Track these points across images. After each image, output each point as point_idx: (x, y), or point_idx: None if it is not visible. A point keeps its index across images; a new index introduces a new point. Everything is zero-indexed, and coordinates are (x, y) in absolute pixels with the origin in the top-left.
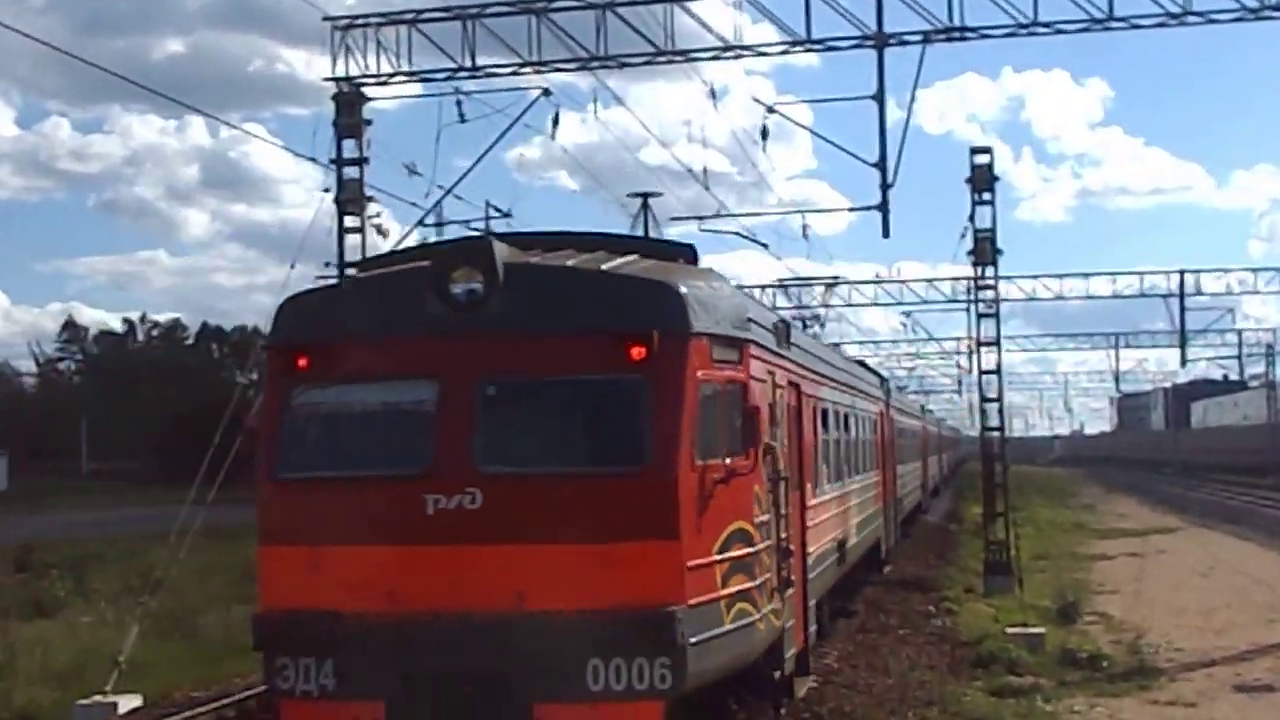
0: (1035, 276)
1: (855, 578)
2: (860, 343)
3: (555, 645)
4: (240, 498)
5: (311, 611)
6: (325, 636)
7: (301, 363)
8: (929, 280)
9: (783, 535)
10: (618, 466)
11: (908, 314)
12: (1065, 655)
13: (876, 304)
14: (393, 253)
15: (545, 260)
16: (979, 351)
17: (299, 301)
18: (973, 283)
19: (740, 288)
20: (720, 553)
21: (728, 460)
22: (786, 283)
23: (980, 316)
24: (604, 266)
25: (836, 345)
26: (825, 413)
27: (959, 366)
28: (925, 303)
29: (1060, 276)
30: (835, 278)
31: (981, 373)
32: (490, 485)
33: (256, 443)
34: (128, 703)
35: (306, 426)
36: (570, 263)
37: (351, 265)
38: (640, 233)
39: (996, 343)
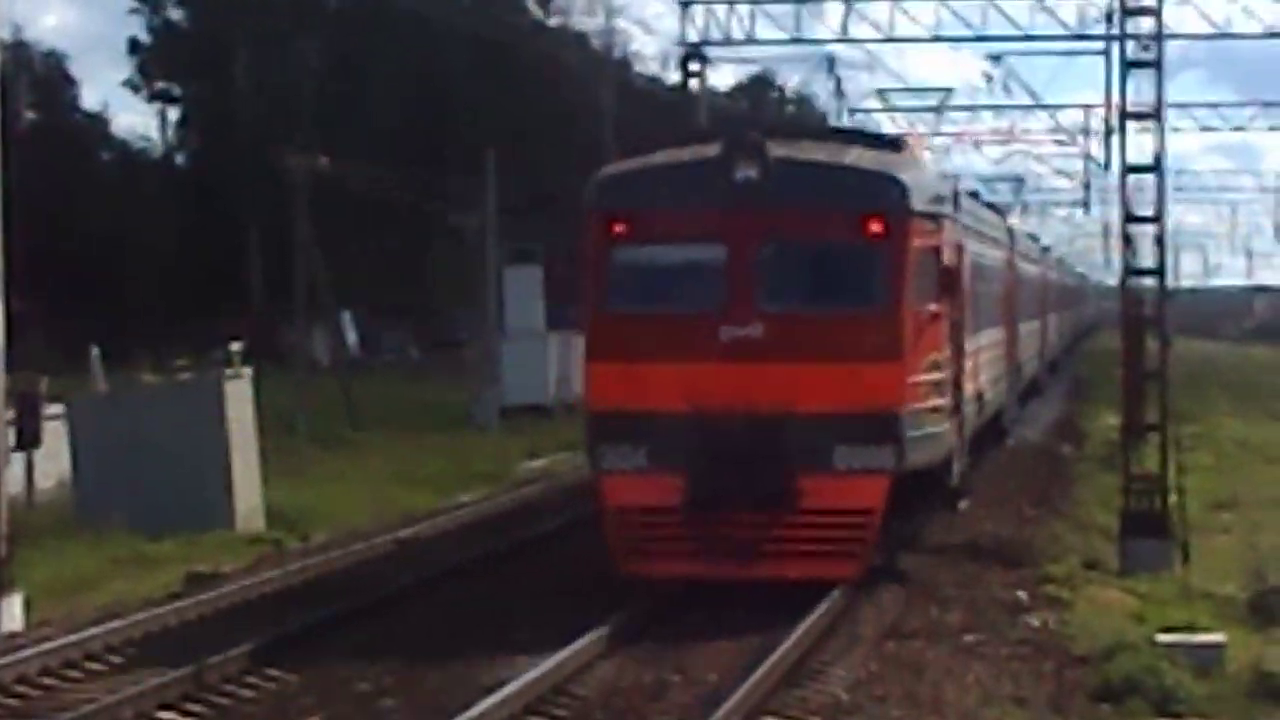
0: None
1: (979, 446)
2: (908, 110)
3: (813, 435)
4: None
5: (629, 410)
6: (641, 428)
7: (619, 227)
8: None
9: (955, 370)
10: (859, 308)
11: (996, 59)
12: (1260, 683)
13: (940, 37)
14: (688, 133)
15: (802, 153)
16: (1123, 131)
17: (614, 176)
18: (1119, 2)
19: None
20: (924, 375)
21: (930, 306)
22: None
23: (1129, 66)
24: (846, 160)
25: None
26: (976, 267)
27: (1086, 158)
28: (1029, 38)
29: None
30: None
31: (1126, 170)
32: (767, 320)
33: (584, 283)
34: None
35: (625, 274)
36: (820, 157)
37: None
38: None
39: (1156, 114)
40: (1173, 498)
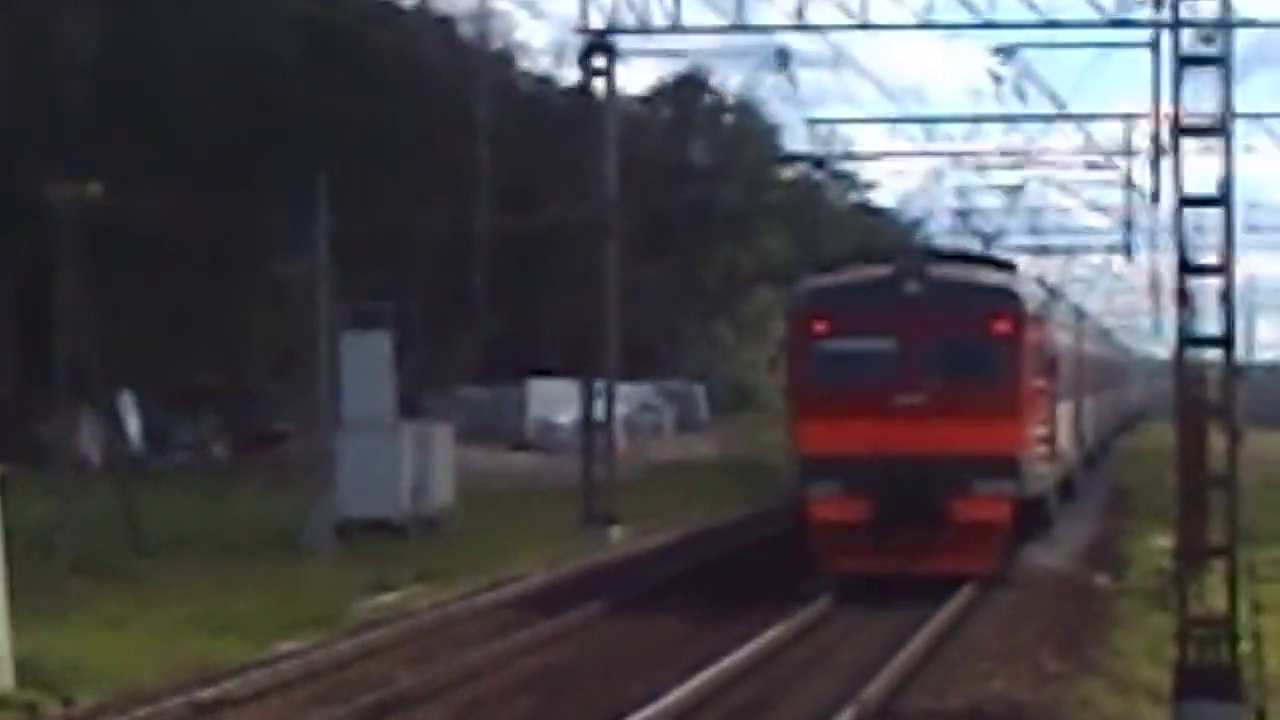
0: None
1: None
2: (888, 122)
3: (959, 471)
4: None
5: (829, 453)
6: (837, 466)
7: (821, 326)
8: None
9: (1052, 430)
10: (991, 382)
11: (1007, 52)
12: None
13: (932, 24)
14: (862, 258)
15: (949, 273)
16: (1177, 151)
17: (816, 289)
18: None
19: None
20: (1035, 430)
21: (1038, 382)
22: None
23: (1184, 63)
24: (977, 279)
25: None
26: (1060, 354)
27: (1128, 187)
28: (1050, 25)
29: None
30: None
31: (1182, 203)
32: (928, 391)
33: (783, 365)
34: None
35: (826, 358)
36: (960, 276)
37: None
38: None
39: (1223, 128)
40: (1244, 646)
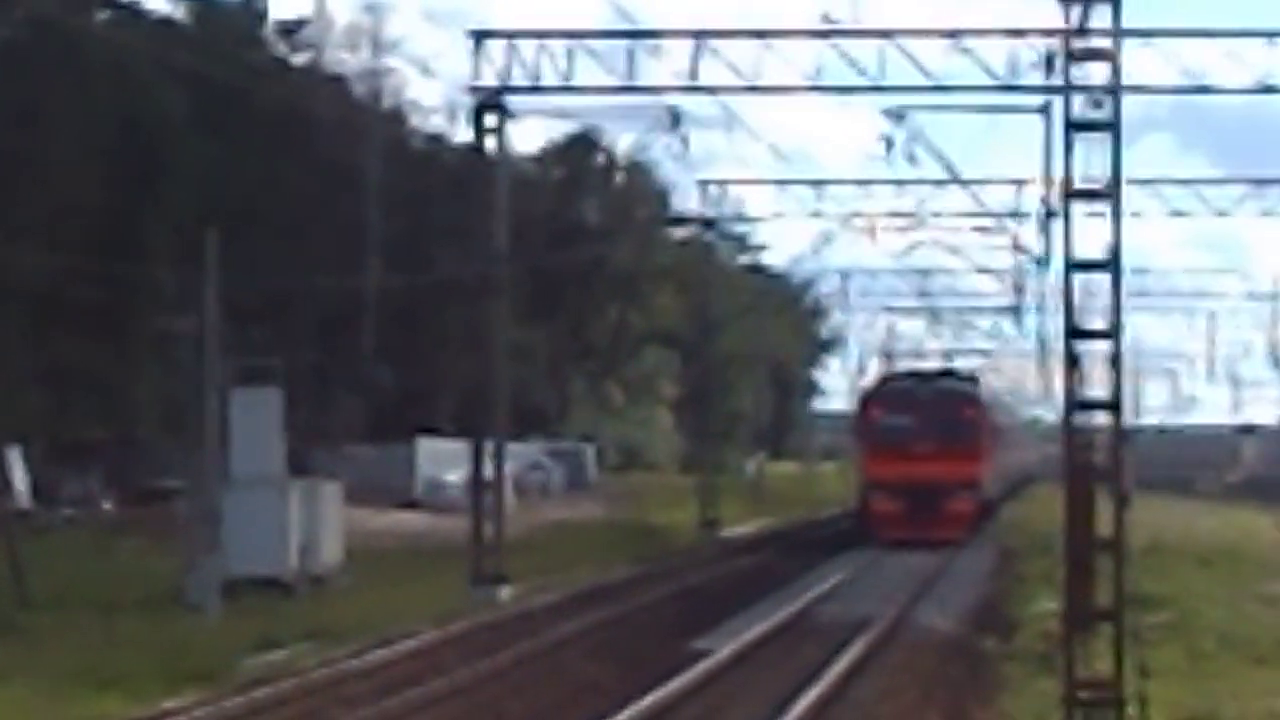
0: (1203, 35)
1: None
2: (778, 183)
3: (949, 487)
4: None
5: (881, 477)
6: (885, 482)
7: (876, 410)
8: (951, 35)
9: (995, 467)
10: (965, 441)
11: (897, 115)
12: None
13: (822, 87)
14: (910, 373)
15: (942, 385)
16: (1067, 215)
17: (873, 391)
18: (1061, 44)
19: None
20: (988, 466)
21: (988, 442)
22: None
23: (1074, 128)
24: (957, 388)
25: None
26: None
27: (1017, 250)
28: (941, 88)
29: (1269, 36)
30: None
31: (1071, 267)
32: (931, 445)
33: (855, 431)
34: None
35: (879, 427)
36: (947, 387)
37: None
38: None
39: (1112, 192)
40: (1131, 711)
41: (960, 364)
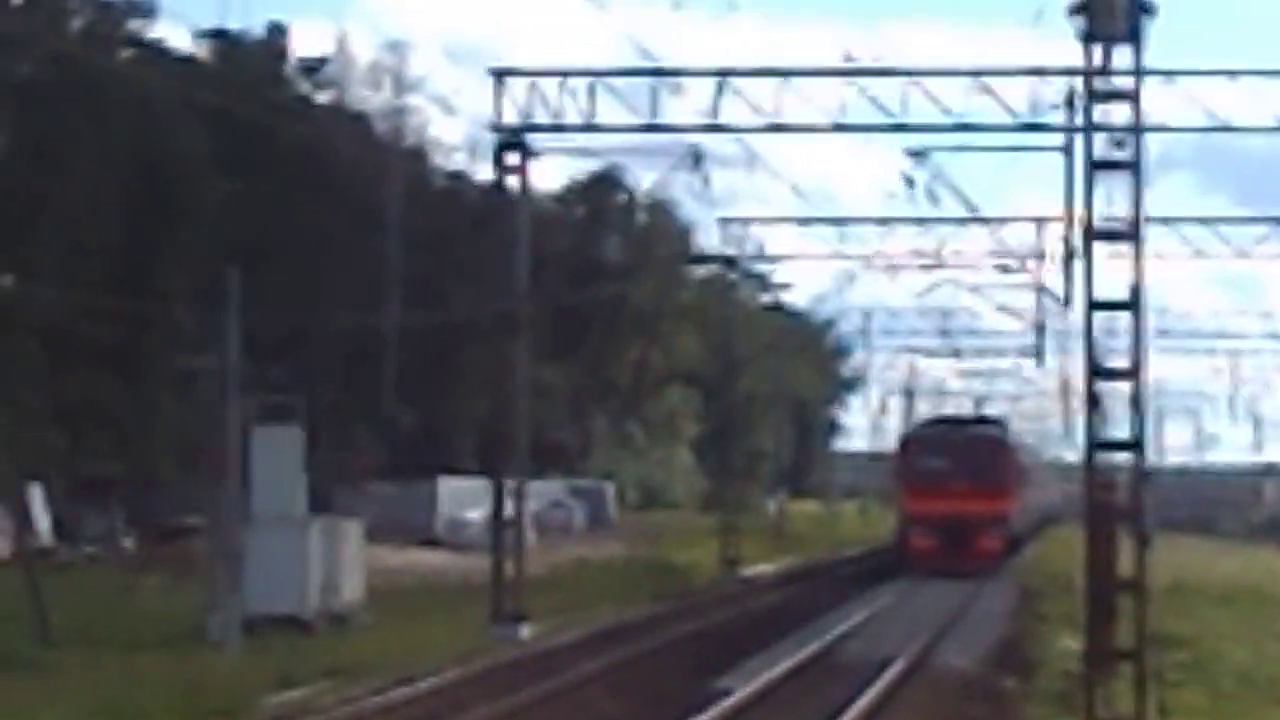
0: (1225, 74)
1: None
2: (800, 224)
3: (981, 521)
4: None
5: (919, 512)
6: (923, 517)
7: (915, 451)
8: (973, 74)
9: (1023, 503)
10: (996, 479)
11: (919, 154)
12: None
13: (845, 126)
14: (944, 418)
15: (973, 430)
16: (1089, 255)
17: (916, 434)
18: (1083, 83)
19: None
20: (1016, 502)
21: (1015, 479)
22: None
23: (1096, 167)
24: (987, 432)
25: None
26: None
27: (1039, 291)
28: (963, 128)
29: None
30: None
31: (1092, 307)
32: (967, 483)
33: (895, 471)
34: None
35: (917, 468)
36: (978, 431)
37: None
38: None
39: (1134, 232)
40: None
41: (986, 407)
